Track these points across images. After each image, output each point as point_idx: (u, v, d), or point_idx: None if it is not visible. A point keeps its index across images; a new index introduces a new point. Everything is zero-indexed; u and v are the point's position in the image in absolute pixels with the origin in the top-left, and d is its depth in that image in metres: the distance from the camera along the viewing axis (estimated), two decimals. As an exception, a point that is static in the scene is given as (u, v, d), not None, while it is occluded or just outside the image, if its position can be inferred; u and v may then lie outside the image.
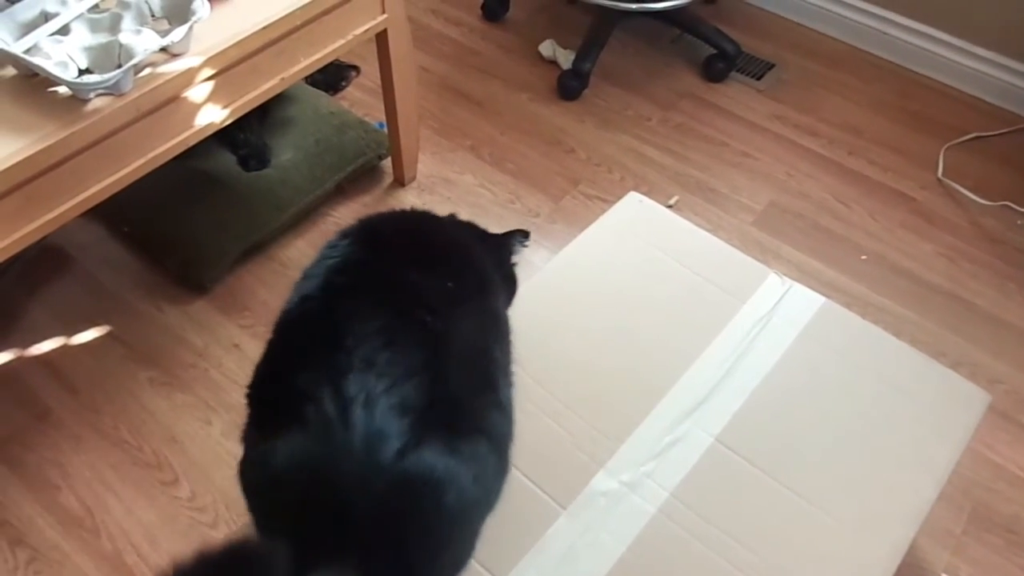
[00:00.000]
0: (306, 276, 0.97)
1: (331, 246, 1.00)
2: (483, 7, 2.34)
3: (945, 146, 1.97)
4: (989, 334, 1.61)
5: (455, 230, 1.15)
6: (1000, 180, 1.90)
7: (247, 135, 1.76)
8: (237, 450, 0.90)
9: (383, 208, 1.82)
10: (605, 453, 1.06)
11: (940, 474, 1.05)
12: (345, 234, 1.02)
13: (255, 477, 0.87)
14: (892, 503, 1.02)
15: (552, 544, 0.99)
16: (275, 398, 0.88)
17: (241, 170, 1.75)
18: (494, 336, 0.99)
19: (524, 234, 1.20)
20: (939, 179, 1.91)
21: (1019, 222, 1.82)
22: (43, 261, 1.68)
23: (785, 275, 1.27)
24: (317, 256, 1.00)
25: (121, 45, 1.14)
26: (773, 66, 2.18)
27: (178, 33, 1.16)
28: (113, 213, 1.71)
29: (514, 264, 1.18)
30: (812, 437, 1.08)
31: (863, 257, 1.75)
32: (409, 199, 1.84)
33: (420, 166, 1.89)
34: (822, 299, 1.23)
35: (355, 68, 2.14)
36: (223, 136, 1.73)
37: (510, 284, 1.17)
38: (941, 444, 1.07)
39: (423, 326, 0.89)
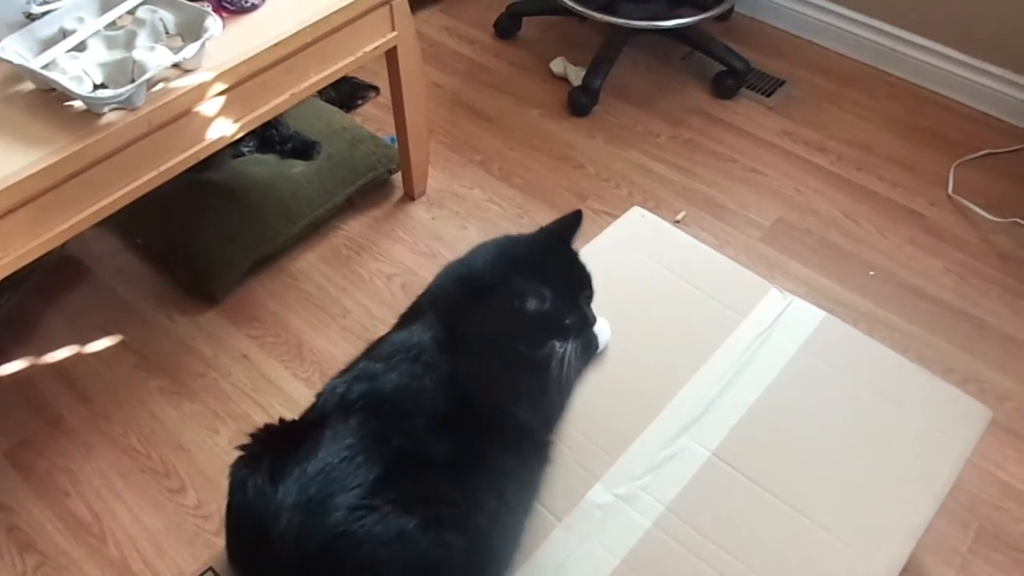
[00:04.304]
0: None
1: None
2: (496, 25, 2.37)
3: (956, 163, 1.96)
4: (998, 351, 1.60)
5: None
6: (1011, 197, 1.88)
7: (280, 131, 1.84)
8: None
9: (393, 222, 1.84)
10: (601, 466, 1.07)
11: (939, 490, 1.04)
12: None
13: None
14: (890, 518, 1.01)
15: (547, 556, 0.99)
16: None
17: (251, 182, 1.77)
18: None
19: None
20: (949, 196, 1.90)
21: (1030, 239, 1.81)
22: (59, 271, 1.71)
23: (793, 291, 1.27)
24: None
25: (135, 61, 1.17)
26: (783, 83, 2.19)
27: (190, 50, 1.20)
28: (127, 225, 1.74)
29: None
30: (810, 451, 1.08)
31: (871, 273, 1.74)
32: (419, 213, 1.86)
33: (430, 180, 1.92)
34: (823, 314, 1.23)
35: (374, 88, 2.15)
36: (264, 142, 1.86)
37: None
38: (940, 459, 1.07)
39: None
